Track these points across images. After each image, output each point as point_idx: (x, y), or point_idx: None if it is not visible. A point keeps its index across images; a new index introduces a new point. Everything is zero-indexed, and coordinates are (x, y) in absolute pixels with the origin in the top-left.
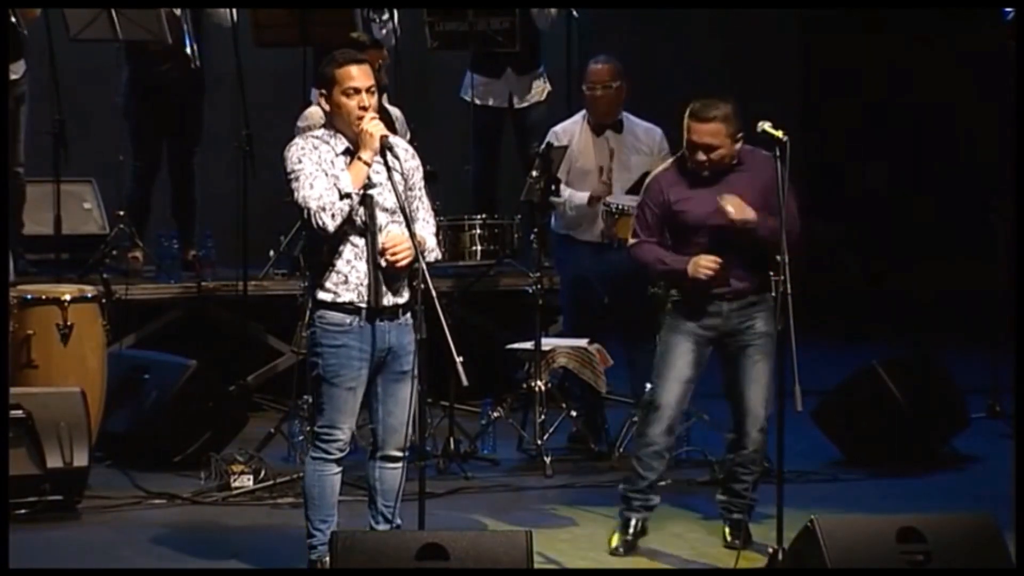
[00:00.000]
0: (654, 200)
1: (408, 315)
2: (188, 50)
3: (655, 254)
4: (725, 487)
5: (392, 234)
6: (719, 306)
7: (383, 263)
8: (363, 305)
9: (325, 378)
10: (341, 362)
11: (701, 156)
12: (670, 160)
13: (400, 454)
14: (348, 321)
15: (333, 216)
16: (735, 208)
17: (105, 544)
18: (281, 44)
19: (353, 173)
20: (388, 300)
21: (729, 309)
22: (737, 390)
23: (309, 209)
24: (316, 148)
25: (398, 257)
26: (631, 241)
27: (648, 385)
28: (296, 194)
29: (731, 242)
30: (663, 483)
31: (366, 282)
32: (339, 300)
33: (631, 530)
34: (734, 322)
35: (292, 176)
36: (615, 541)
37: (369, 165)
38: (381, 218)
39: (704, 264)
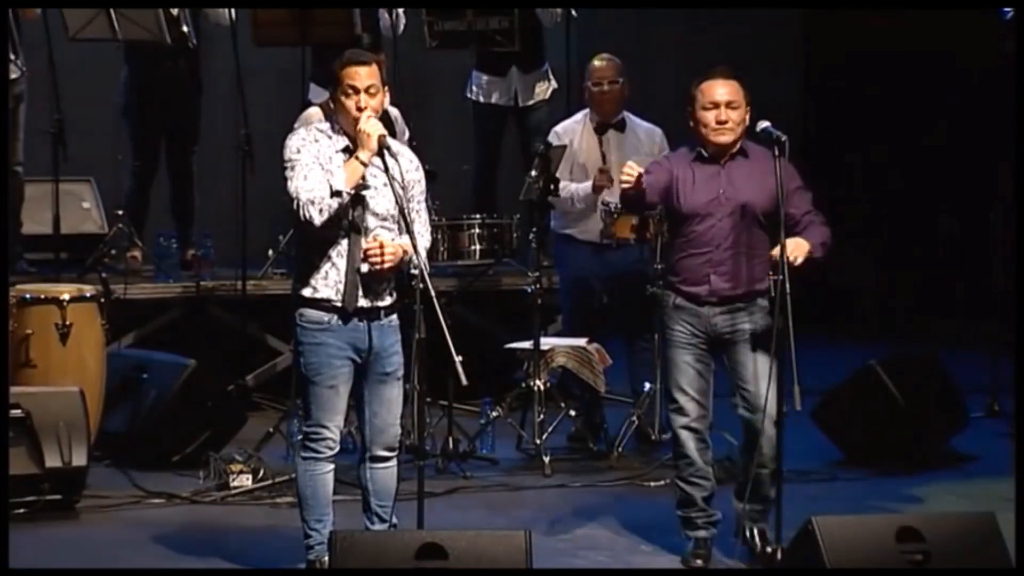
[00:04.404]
0: (661, 166)
1: (392, 317)
2: (184, 29)
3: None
4: (751, 496)
5: (377, 239)
6: (710, 310)
7: (364, 268)
8: (339, 304)
9: (307, 376)
10: (321, 360)
11: (723, 114)
12: (685, 147)
13: (389, 453)
14: (326, 319)
15: (321, 211)
16: (796, 253)
17: (104, 544)
18: (281, 44)
19: (348, 172)
20: (365, 303)
21: (714, 313)
22: (741, 390)
23: (299, 200)
24: (317, 141)
25: (376, 262)
26: None
27: (647, 385)
28: (289, 183)
29: (721, 242)
30: (664, 482)
31: (344, 281)
32: (316, 296)
33: (704, 549)
34: (721, 326)
35: (288, 165)
36: (695, 561)
37: (366, 165)
38: (370, 222)
39: (627, 171)
